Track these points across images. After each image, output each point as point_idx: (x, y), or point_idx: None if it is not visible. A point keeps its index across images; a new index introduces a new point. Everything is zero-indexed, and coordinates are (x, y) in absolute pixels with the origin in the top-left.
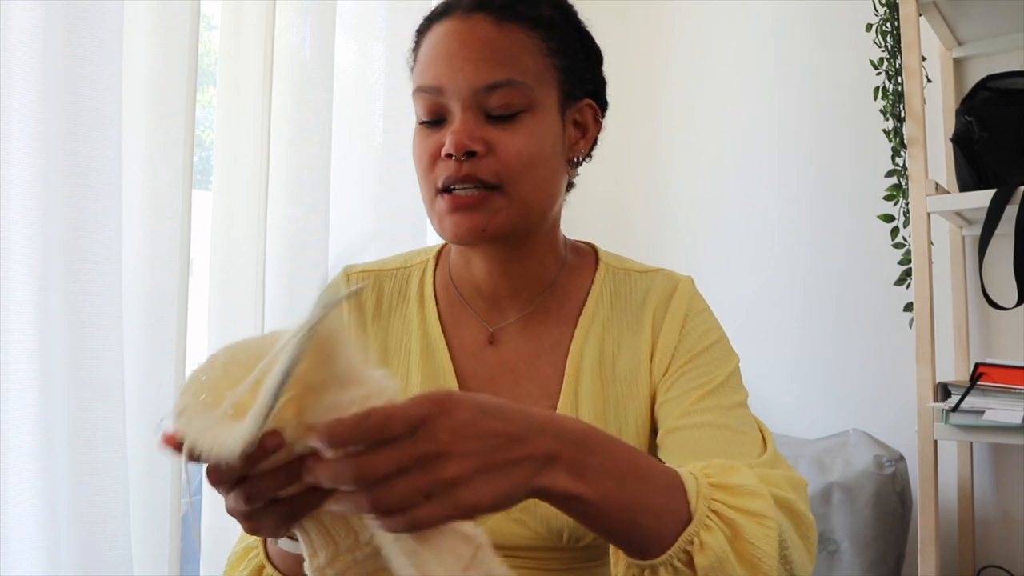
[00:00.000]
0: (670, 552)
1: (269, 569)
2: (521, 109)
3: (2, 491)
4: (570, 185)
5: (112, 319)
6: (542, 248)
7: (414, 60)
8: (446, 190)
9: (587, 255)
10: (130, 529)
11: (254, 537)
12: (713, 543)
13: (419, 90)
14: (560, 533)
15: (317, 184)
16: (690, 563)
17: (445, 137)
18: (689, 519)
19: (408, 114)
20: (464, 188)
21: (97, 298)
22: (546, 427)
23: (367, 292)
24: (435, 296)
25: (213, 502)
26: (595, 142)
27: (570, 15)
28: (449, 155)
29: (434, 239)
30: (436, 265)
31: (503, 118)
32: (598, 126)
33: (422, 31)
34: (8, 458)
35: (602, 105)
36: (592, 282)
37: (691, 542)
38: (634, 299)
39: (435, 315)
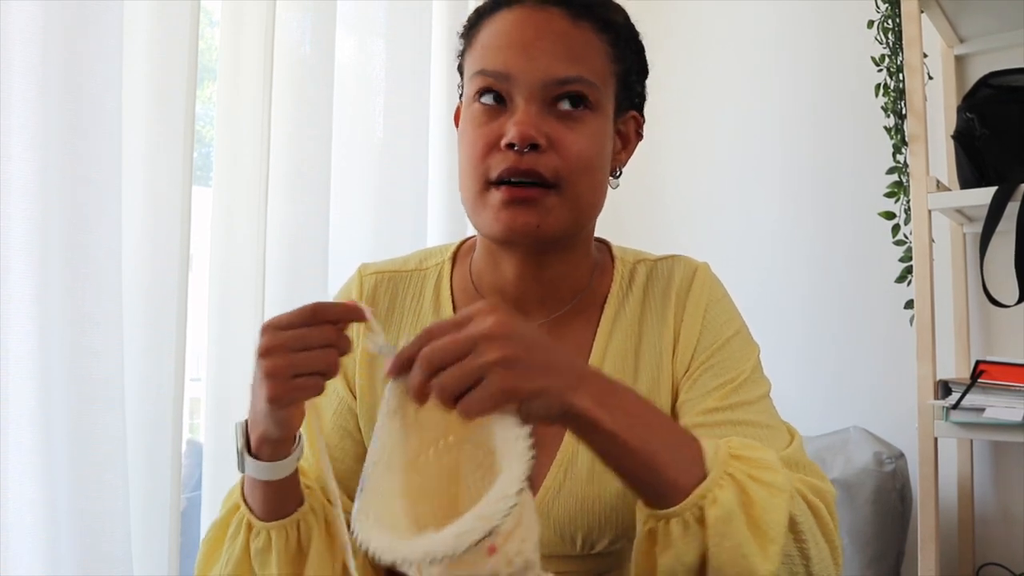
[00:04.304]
0: (683, 504)
1: (243, 508)
2: (586, 109)
3: (1, 487)
4: None
5: (112, 315)
6: (578, 255)
7: (467, 41)
8: (499, 182)
9: (604, 253)
10: (130, 525)
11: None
12: (724, 500)
13: (481, 73)
14: (574, 539)
15: (317, 181)
16: (701, 520)
17: (503, 127)
18: (704, 478)
19: (408, 111)
20: (521, 182)
21: (97, 294)
22: (576, 359)
23: (380, 292)
24: (452, 299)
25: (213, 498)
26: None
27: (632, 26)
28: (510, 146)
29: (434, 235)
30: (453, 267)
31: (567, 116)
32: (639, 139)
33: (484, 14)
34: (8, 454)
35: (642, 119)
36: (612, 280)
37: (704, 497)
38: (654, 289)
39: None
